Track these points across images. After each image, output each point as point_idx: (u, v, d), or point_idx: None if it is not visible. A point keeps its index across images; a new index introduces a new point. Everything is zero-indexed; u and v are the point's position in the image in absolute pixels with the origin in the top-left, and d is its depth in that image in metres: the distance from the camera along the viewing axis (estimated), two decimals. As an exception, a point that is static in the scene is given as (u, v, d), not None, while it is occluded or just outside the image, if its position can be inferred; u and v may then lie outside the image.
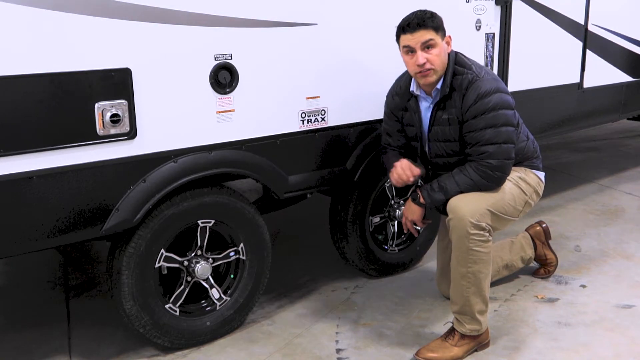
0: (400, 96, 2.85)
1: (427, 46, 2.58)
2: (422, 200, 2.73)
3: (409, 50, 2.62)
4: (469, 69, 2.64)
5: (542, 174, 2.89)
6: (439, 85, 2.66)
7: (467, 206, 2.56)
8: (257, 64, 2.68)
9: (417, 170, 2.76)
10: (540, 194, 2.88)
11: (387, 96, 2.94)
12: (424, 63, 2.58)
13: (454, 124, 2.66)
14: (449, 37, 2.66)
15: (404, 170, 2.75)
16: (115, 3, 2.28)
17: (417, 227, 2.95)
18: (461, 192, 2.61)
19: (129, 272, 2.54)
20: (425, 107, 2.77)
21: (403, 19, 2.63)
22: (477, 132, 2.59)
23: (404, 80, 2.83)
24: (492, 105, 2.57)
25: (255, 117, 2.73)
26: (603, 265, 3.60)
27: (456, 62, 2.67)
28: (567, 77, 4.22)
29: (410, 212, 2.80)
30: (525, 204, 2.77)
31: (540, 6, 3.84)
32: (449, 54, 2.66)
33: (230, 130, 2.67)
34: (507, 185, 2.68)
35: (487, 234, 2.58)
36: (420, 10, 2.62)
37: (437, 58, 2.59)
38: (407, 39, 2.60)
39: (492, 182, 2.62)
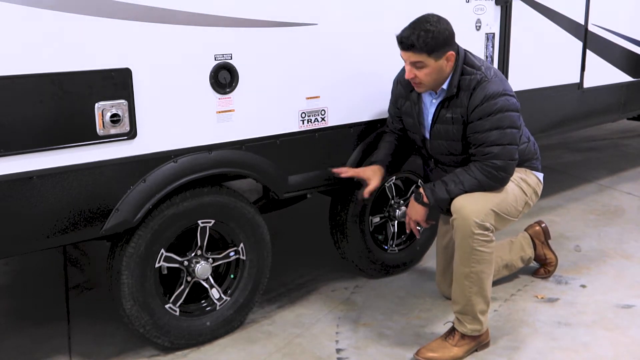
0: (404, 86, 2.85)
1: (416, 66, 2.59)
2: (425, 199, 2.72)
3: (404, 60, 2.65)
4: (478, 69, 2.63)
5: (541, 175, 2.90)
6: (445, 85, 2.66)
7: (471, 206, 2.56)
8: (257, 64, 2.68)
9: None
10: (539, 194, 2.88)
11: (393, 81, 2.98)
12: (412, 78, 2.62)
13: (458, 123, 2.66)
14: (452, 54, 2.59)
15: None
16: (116, 3, 2.28)
17: (419, 228, 2.94)
18: (465, 192, 2.61)
19: (129, 272, 2.54)
20: (429, 102, 2.77)
21: (403, 29, 2.58)
22: (482, 133, 2.59)
23: None
24: (499, 107, 2.57)
25: (255, 117, 2.73)
26: (603, 265, 3.60)
27: (465, 62, 2.65)
28: (567, 77, 4.21)
29: (414, 212, 2.77)
30: (525, 204, 2.78)
31: (540, 6, 3.84)
32: (458, 52, 2.65)
33: (230, 130, 2.67)
34: (510, 186, 2.68)
35: (491, 234, 2.59)
36: (421, 25, 2.52)
37: (426, 77, 2.60)
38: (400, 51, 2.61)
39: (496, 182, 2.62)
